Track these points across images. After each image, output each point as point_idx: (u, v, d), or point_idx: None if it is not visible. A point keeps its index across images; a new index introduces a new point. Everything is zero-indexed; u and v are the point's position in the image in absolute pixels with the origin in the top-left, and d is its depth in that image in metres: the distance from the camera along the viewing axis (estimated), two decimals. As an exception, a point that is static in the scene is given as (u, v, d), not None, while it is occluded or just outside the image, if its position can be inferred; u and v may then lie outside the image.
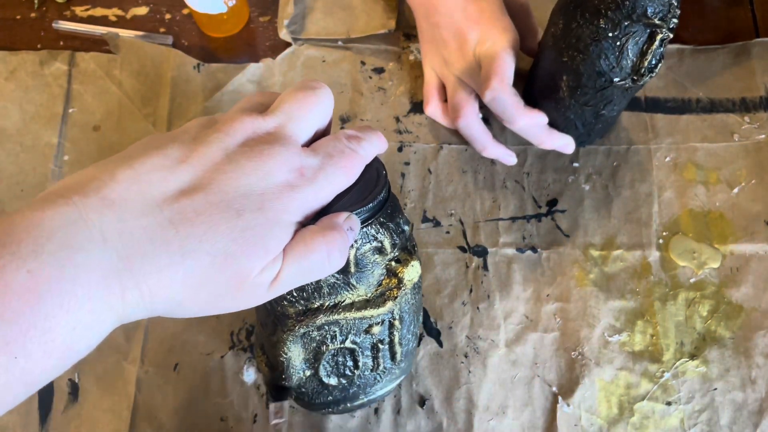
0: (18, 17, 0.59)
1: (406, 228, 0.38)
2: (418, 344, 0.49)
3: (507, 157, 0.52)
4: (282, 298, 0.38)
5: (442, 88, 0.53)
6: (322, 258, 0.30)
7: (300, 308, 0.38)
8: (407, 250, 0.38)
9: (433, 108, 0.53)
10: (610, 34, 0.41)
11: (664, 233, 0.52)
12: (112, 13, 0.59)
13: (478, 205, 0.53)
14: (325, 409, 0.43)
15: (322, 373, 0.41)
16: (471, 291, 0.51)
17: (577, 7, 0.42)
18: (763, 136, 0.54)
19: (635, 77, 0.43)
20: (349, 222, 0.32)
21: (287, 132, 0.30)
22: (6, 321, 0.23)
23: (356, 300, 0.38)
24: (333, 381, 0.42)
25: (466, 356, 0.49)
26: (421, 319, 0.44)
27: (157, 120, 0.55)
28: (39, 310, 0.23)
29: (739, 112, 0.55)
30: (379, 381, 0.43)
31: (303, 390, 0.42)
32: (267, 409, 0.48)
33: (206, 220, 0.27)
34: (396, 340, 0.41)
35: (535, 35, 0.52)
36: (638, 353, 0.49)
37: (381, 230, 0.36)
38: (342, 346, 0.39)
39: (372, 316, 0.38)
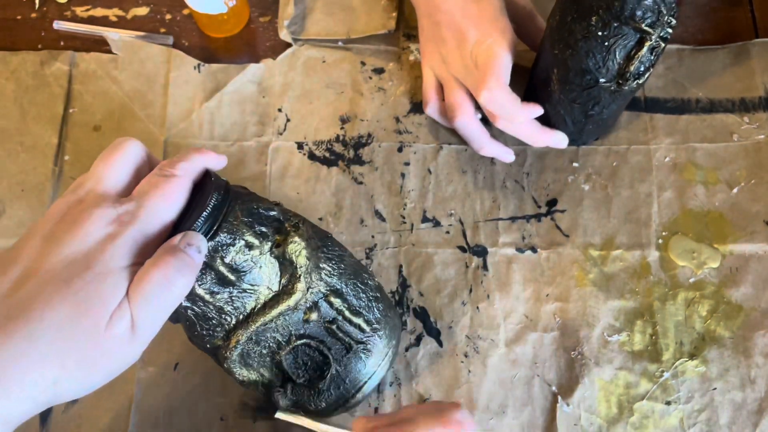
0: (18, 17, 0.59)
1: (272, 212, 0.38)
2: (418, 341, 0.49)
3: (505, 155, 0.52)
4: (199, 336, 0.38)
5: (441, 88, 0.53)
6: (161, 285, 0.31)
7: (221, 334, 0.38)
8: (283, 231, 0.38)
9: (432, 108, 0.53)
10: (600, 33, 0.41)
11: (664, 233, 0.52)
12: (112, 13, 0.59)
13: (477, 205, 0.53)
14: (338, 408, 0.43)
15: (300, 378, 0.41)
16: (471, 291, 0.51)
17: (575, 1, 0.42)
18: (762, 136, 0.55)
19: (620, 81, 0.43)
20: (186, 239, 0.33)
21: (98, 192, 0.33)
22: None
23: (266, 299, 0.38)
24: (316, 380, 0.41)
25: (465, 356, 0.49)
26: (369, 279, 0.44)
27: (157, 120, 0.55)
28: None
29: (739, 113, 0.55)
30: (365, 359, 0.42)
31: (302, 400, 0.42)
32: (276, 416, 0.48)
33: (41, 299, 0.29)
34: (346, 314, 0.40)
35: (542, 35, 0.52)
36: (638, 353, 0.49)
37: (235, 230, 0.36)
38: (294, 345, 0.39)
39: (292, 305, 0.38)
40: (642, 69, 0.43)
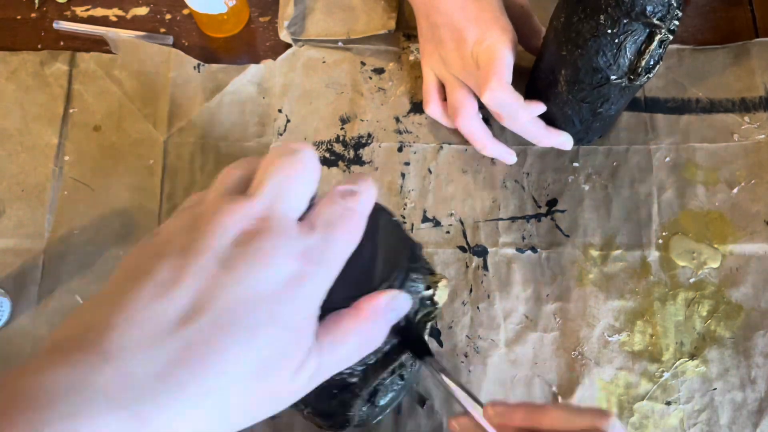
0: (18, 17, 0.59)
1: (422, 253, 0.37)
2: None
3: (507, 155, 0.52)
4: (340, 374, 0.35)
5: (442, 88, 0.53)
6: (358, 347, 0.28)
7: (360, 376, 0.37)
8: (432, 272, 0.37)
9: (433, 108, 0.53)
10: (609, 31, 0.41)
11: (664, 233, 0.52)
12: (112, 13, 0.59)
13: (478, 205, 0.53)
14: (376, 418, 0.44)
15: (378, 402, 0.41)
16: (471, 291, 0.51)
17: (580, 1, 0.42)
18: (762, 136, 0.55)
19: (632, 76, 0.43)
20: (393, 303, 0.29)
21: (278, 213, 0.26)
22: None
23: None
24: (385, 401, 0.42)
25: (466, 356, 0.49)
26: None
27: (157, 120, 0.55)
28: None
29: (739, 112, 0.55)
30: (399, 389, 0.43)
31: (363, 419, 0.42)
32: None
33: (218, 349, 0.24)
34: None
35: (538, 35, 0.52)
36: (638, 353, 0.49)
37: (417, 276, 0.34)
38: (393, 371, 0.39)
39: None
40: (652, 63, 0.43)
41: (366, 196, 0.29)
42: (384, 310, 0.28)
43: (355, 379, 0.37)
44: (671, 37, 0.42)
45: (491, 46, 0.46)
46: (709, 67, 0.57)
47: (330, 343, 0.27)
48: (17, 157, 0.54)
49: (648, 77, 0.43)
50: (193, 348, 0.24)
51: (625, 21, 0.41)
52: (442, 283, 0.36)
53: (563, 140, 0.51)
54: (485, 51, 0.47)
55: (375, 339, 0.29)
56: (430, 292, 0.35)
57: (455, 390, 0.38)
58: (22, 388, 0.22)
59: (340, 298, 0.28)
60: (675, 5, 0.40)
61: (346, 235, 0.27)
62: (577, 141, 0.53)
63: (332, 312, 0.28)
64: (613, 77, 0.43)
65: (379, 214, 0.32)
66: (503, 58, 0.46)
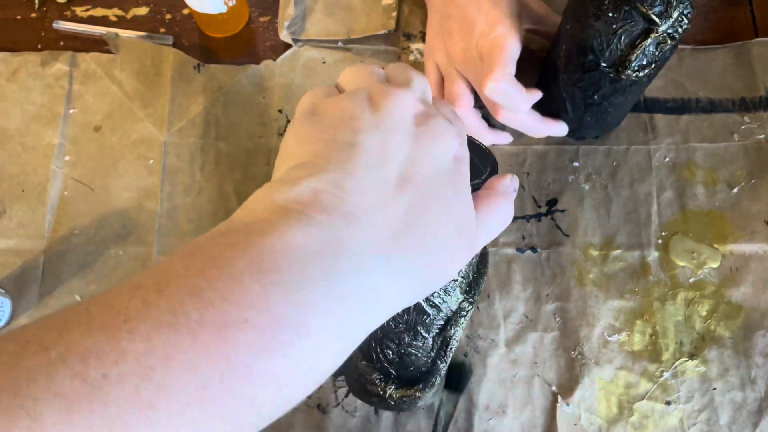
0: (18, 17, 0.59)
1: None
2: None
3: (504, 138, 0.53)
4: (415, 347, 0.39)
5: (443, 83, 0.53)
6: (498, 223, 0.31)
7: (434, 332, 0.39)
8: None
9: None
10: (610, 15, 0.41)
11: (664, 233, 0.52)
12: (112, 13, 0.59)
13: (478, 205, 0.53)
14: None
15: (443, 361, 0.42)
16: (471, 291, 0.51)
17: None
18: (762, 135, 0.55)
19: (620, 68, 0.43)
20: (514, 183, 0.32)
21: (433, 104, 0.30)
22: (280, 355, 0.21)
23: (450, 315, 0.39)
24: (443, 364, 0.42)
25: (466, 356, 0.49)
26: None
27: (157, 120, 0.55)
28: (308, 342, 0.22)
29: (739, 112, 0.55)
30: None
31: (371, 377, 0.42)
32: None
33: (429, 211, 0.26)
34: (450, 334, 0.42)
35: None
36: (638, 353, 0.49)
37: None
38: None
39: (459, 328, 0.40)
40: (644, 62, 0.43)
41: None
42: (510, 186, 0.32)
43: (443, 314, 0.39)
44: (671, 43, 0.42)
45: (496, 40, 0.47)
46: (709, 67, 0.57)
47: (487, 220, 0.30)
48: (18, 158, 0.54)
49: (637, 75, 0.43)
50: (413, 211, 0.26)
51: (625, 8, 0.41)
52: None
53: (558, 129, 0.51)
54: (490, 43, 0.47)
55: (509, 214, 0.31)
56: None
57: None
58: (274, 246, 0.22)
59: None
60: (675, 5, 0.40)
61: (467, 132, 0.31)
62: (570, 132, 0.52)
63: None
64: (603, 64, 0.44)
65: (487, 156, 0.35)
66: (508, 50, 0.46)
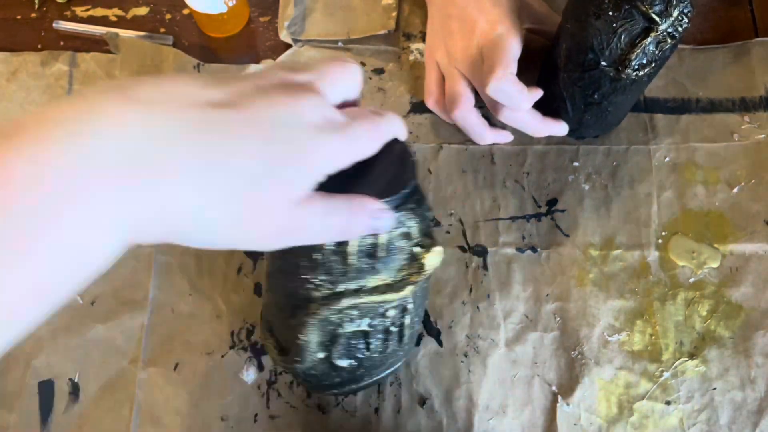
0: (18, 17, 0.59)
1: (429, 213, 0.39)
2: (418, 341, 0.49)
3: (504, 137, 0.53)
4: (307, 281, 0.37)
5: (443, 82, 0.53)
6: (333, 227, 0.30)
7: (325, 292, 0.37)
8: (430, 236, 0.38)
9: (433, 101, 0.53)
10: (610, 13, 0.41)
11: (664, 233, 0.52)
12: (112, 13, 0.59)
13: (477, 204, 0.53)
14: (330, 390, 0.44)
15: (335, 356, 0.41)
16: (471, 290, 0.51)
17: None
18: (762, 135, 0.55)
19: (620, 67, 0.43)
20: (380, 213, 0.32)
21: (318, 87, 0.30)
22: (11, 215, 0.21)
23: (379, 284, 0.37)
24: (344, 363, 0.41)
25: (466, 356, 0.49)
26: (426, 303, 0.44)
27: (158, 120, 0.55)
28: (46, 203, 0.21)
29: (739, 112, 0.55)
30: (384, 363, 0.43)
31: (313, 372, 0.42)
32: (267, 408, 0.48)
33: (235, 136, 0.26)
34: (406, 323, 0.41)
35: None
36: (638, 353, 0.49)
37: (412, 216, 0.36)
38: (358, 329, 0.39)
39: (391, 300, 0.38)
40: (644, 61, 0.43)
41: (391, 120, 0.33)
42: (370, 211, 0.31)
43: (317, 294, 0.38)
44: (671, 42, 0.42)
45: (498, 39, 0.47)
46: (709, 67, 0.57)
47: (320, 208, 0.29)
48: (17, 158, 0.54)
49: (637, 74, 0.43)
50: (211, 125, 0.25)
51: (626, 7, 0.41)
52: (436, 249, 0.37)
53: (559, 128, 0.51)
54: (491, 42, 0.47)
55: (350, 231, 0.31)
56: (420, 250, 0.37)
57: None
58: (31, 118, 0.23)
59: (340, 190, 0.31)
60: (675, 4, 0.40)
61: (366, 132, 0.31)
62: (571, 132, 0.52)
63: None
64: (602, 63, 0.44)
65: (400, 146, 0.35)
66: (509, 49, 0.46)
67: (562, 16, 0.47)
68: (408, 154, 0.36)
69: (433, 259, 0.38)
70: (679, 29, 0.41)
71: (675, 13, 0.41)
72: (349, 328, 0.39)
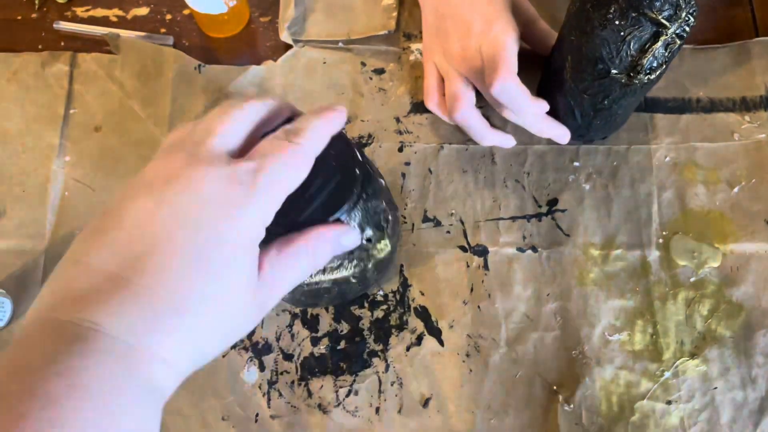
0: (19, 18, 0.59)
1: (376, 204, 0.38)
2: (419, 340, 0.49)
3: (506, 141, 0.52)
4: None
5: (443, 83, 0.53)
6: (305, 269, 0.31)
7: None
8: (378, 227, 0.39)
9: (433, 102, 0.53)
10: (617, 23, 0.41)
11: (664, 233, 0.52)
12: (112, 13, 0.59)
13: (478, 204, 0.53)
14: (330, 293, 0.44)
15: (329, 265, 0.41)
16: (472, 290, 0.51)
17: None
18: (763, 135, 0.55)
19: (632, 73, 0.43)
20: (345, 238, 0.33)
21: (208, 147, 0.29)
22: None
23: (328, 268, 0.40)
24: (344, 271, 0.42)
25: (467, 355, 0.49)
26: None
27: (158, 120, 0.55)
28: None
29: (739, 112, 0.55)
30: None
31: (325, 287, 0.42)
32: (268, 408, 0.48)
33: (177, 278, 0.26)
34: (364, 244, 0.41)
35: (548, 36, 0.52)
36: (638, 352, 0.49)
37: (359, 211, 0.36)
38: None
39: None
40: (655, 64, 0.42)
41: (313, 131, 0.31)
42: (331, 240, 0.32)
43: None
44: (679, 43, 0.42)
45: (497, 37, 0.47)
46: (709, 67, 0.57)
47: (282, 265, 0.30)
48: (18, 158, 0.54)
49: (649, 78, 0.43)
50: (153, 286, 0.26)
51: (633, 15, 0.41)
52: (380, 246, 0.39)
53: (561, 133, 0.51)
54: (491, 42, 0.47)
55: (319, 264, 0.32)
56: (368, 243, 0.38)
57: None
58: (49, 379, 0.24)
59: (292, 224, 0.31)
60: (683, 7, 0.40)
61: (284, 165, 0.29)
62: (578, 137, 0.52)
63: (284, 235, 0.31)
64: (614, 71, 0.43)
65: (339, 144, 0.34)
66: (510, 48, 0.46)
67: (563, 29, 0.47)
68: (348, 149, 0.35)
69: (383, 246, 0.38)
70: (686, 29, 0.41)
71: (683, 15, 0.41)
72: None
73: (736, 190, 0.53)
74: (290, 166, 0.30)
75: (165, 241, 0.26)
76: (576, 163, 0.54)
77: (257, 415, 0.48)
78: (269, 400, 0.48)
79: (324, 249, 0.32)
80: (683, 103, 0.56)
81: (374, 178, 0.39)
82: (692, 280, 0.51)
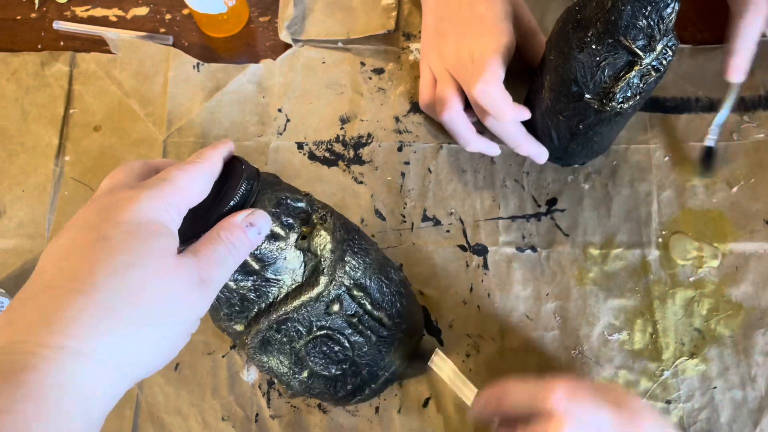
0: (18, 18, 0.59)
1: (300, 204, 0.38)
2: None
3: (491, 149, 0.51)
4: (223, 320, 0.39)
5: (436, 85, 0.53)
6: (225, 257, 0.32)
7: (244, 321, 0.39)
8: (310, 223, 0.38)
9: (425, 104, 0.53)
10: (593, 47, 0.40)
11: (664, 232, 0.52)
12: (112, 13, 0.59)
13: (478, 204, 0.53)
14: (354, 397, 0.44)
15: (317, 368, 0.41)
16: (471, 289, 0.51)
17: (578, 12, 0.42)
18: (762, 135, 0.55)
19: (604, 100, 0.42)
20: (249, 218, 0.34)
21: (113, 185, 0.34)
22: None
23: (289, 290, 0.38)
24: (334, 370, 0.41)
25: (467, 355, 0.49)
26: (394, 274, 0.43)
27: (157, 120, 0.55)
28: None
29: (739, 112, 0.55)
30: (387, 351, 0.43)
31: (318, 390, 0.43)
32: (268, 408, 0.48)
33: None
34: (368, 308, 0.41)
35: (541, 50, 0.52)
36: (638, 352, 0.49)
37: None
38: (314, 336, 0.40)
39: (314, 297, 0.38)
40: (629, 94, 0.42)
41: (212, 148, 0.35)
42: (240, 224, 0.33)
43: (239, 327, 0.39)
44: (655, 76, 0.41)
45: (488, 42, 0.47)
46: (709, 67, 0.57)
47: (204, 260, 0.32)
48: (18, 158, 0.54)
49: (622, 107, 0.42)
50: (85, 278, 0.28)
51: (609, 41, 0.40)
52: (319, 231, 0.38)
53: (539, 151, 0.50)
54: (481, 46, 0.47)
55: (241, 250, 0.33)
56: (303, 241, 0.38)
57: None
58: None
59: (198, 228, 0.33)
60: (658, 39, 0.39)
61: (181, 175, 0.33)
62: (556, 159, 0.52)
63: (198, 237, 0.33)
64: (587, 95, 0.43)
65: (240, 168, 0.36)
66: (498, 55, 0.46)
67: (546, 47, 0.46)
68: (239, 163, 0.36)
69: (319, 241, 0.38)
70: (664, 62, 0.41)
71: (659, 47, 0.40)
72: (304, 339, 0.40)
73: (735, 189, 0.53)
74: (190, 177, 0.33)
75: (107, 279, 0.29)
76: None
77: (257, 415, 0.48)
78: (269, 400, 0.48)
79: (236, 234, 0.33)
80: (683, 103, 0.56)
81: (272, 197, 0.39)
82: (692, 279, 0.51)
